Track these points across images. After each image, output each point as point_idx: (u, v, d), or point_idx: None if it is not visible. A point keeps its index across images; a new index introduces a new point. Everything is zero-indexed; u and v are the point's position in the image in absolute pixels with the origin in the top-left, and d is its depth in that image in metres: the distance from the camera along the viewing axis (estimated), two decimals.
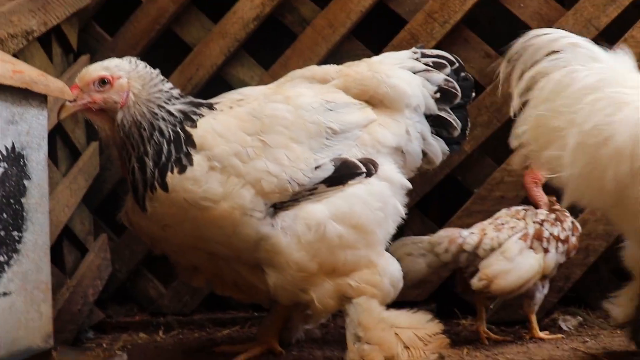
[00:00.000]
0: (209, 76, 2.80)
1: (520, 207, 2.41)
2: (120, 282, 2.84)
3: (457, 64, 2.31)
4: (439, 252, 2.27)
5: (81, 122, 2.80)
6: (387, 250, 2.15)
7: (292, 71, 2.34)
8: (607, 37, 2.56)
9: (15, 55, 2.12)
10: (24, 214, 1.75)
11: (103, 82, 1.90)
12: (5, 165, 1.68)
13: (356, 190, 1.98)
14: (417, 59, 2.28)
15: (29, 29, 2.39)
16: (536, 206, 2.40)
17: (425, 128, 2.21)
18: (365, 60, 2.30)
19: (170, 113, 1.92)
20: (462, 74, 2.31)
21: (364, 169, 2.00)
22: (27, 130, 1.77)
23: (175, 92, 1.99)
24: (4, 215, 1.67)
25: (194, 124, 1.93)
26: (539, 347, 2.25)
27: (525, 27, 2.66)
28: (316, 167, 1.95)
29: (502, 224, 2.31)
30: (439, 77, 2.24)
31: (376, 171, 2.03)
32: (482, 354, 2.18)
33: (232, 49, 2.79)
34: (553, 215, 2.33)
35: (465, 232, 2.28)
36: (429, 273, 2.35)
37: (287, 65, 2.72)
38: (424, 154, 2.22)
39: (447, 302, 2.68)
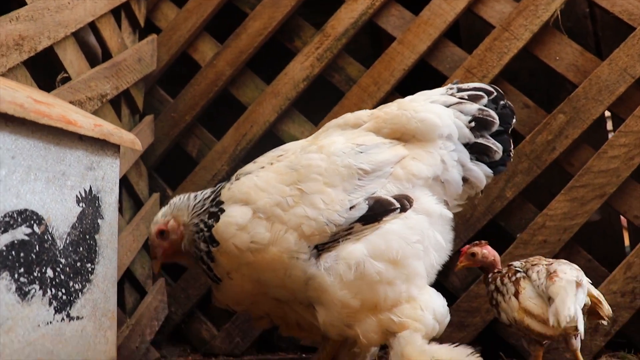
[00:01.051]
0: (262, 132, 3.01)
1: None
2: (176, 323, 2.98)
3: (495, 93, 2.35)
4: None
5: (144, 175, 3.05)
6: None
7: (328, 122, 2.47)
8: None
9: None
10: (97, 248, 1.94)
11: (161, 233, 2.28)
12: (84, 205, 1.89)
13: (392, 226, 2.05)
14: (451, 94, 2.35)
15: (103, 93, 2.69)
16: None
17: (464, 155, 2.26)
18: (397, 100, 2.40)
19: (203, 213, 2.24)
20: (502, 102, 2.35)
21: (397, 205, 2.07)
22: (102, 176, 1.98)
23: (203, 195, 2.31)
24: (81, 248, 1.86)
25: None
26: None
27: (562, 79, 2.82)
28: (351, 208, 2.05)
29: None
30: (472, 107, 2.29)
31: (411, 206, 2.10)
32: None
33: (283, 107, 3.02)
34: None
35: None
36: None
37: None
38: (465, 180, 2.27)
39: (493, 346, 2.70)
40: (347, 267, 2.01)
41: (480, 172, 2.29)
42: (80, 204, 1.88)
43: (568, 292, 1.97)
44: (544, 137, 2.72)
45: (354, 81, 2.99)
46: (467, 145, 2.27)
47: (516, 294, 2.09)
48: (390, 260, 2.02)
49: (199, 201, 2.27)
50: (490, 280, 2.25)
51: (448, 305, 2.66)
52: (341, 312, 2.04)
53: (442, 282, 2.80)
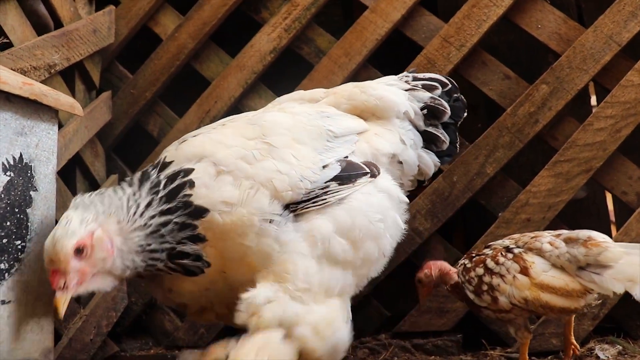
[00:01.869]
0: (227, 108, 2.82)
1: None
2: (136, 314, 2.77)
3: (450, 86, 2.34)
4: None
5: (101, 155, 2.85)
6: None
7: (279, 97, 2.36)
8: (631, 53, 2.52)
9: None
10: (29, 224, 1.74)
11: (79, 250, 1.65)
12: (12, 174, 1.69)
13: (355, 202, 1.92)
14: (406, 82, 2.32)
15: (51, 63, 2.48)
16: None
17: (417, 139, 2.24)
18: (353, 83, 2.36)
19: (162, 214, 1.76)
20: (455, 95, 2.35)
21: (367, 170, 1.97)
22: (36, 143, 1.78)
23: (147, 194, 1.79)
24: (7, 223, 1.66)
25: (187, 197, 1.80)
26: None
27: (544, 49, 2.66)
28: (324, 166, 1.92)
29: None
30: (425, 95, 2.27)
31: (379, 173, 2.00)
32: None
33: (249, 81, 2.82)
34: None
35: None
36: None
37: None
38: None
39: (474, 333, 2.53)
40: (320, 240, 1.84)
41: (430, 160, 2.27)
42: (8, 173, 1.67)
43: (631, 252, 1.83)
44: (526, 109, 2.54)
45: (323, 53, 2.81)
46: (418, 131, 2.25)
47: (524, 271, 1.90)
48: (352, 239, 1.88)
49: (142, 193, 1.78)
50: (471, 266, 2.04)
51: None
52: (295, 290, 1.80)
53: (420, 266, 2.62)
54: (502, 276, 1.93)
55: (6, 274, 1.64)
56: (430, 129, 2.27)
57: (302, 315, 1.77)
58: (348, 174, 1.92)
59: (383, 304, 2.66)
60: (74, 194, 2.59)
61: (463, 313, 2.49)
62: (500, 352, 2.43)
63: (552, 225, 2.46)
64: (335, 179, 1.90)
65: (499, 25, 2.67)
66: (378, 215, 1.95)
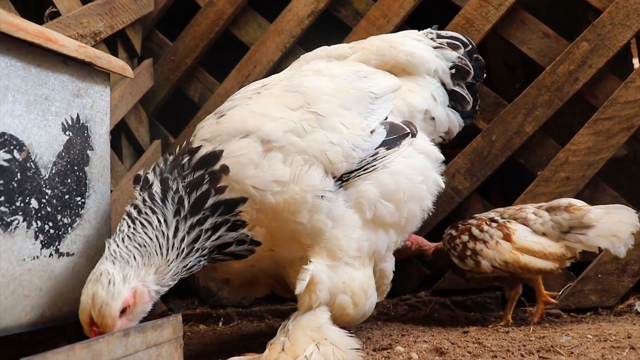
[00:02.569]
0: (266, 72, 2.86)
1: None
2: None
3: (470, 46, 2.36)
4: None
5: (145, 121, 2.92)
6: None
7: (304, 55, 2.34)
8: None
9: None
10: (87, 181, 1.82)
11: (123, 310, 1.57)
12: (71, 133, 1.76)
13: (397, 166, 1.92)
14: (431, 39, 2.33)
15: (96, 31, 2.55)
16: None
17: (445, 97, 2.25)
18: (377, 36, 2.35)
19: (192, 228, 1.67)
20: (475, 55, 2.36)
21: (408, 130, 1.97)
22: (91, 104, 1.85)
23: (173, 216, 1.67)
24: (68, 180, 1.74)
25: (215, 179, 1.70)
26: (612, 325, 2.09)
27: (584, 7, 2.62)
28: (371, 132, 1.89)
29: None
30: (453, 54, 2.30)
31: (417, 131, 2.02)
32: (550, 330, 2.05)
33: (288, 45, 2.86)
34: None
35: None
36: None
37: None
38: None
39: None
40: (367, 206, 1.84)
41: (456, 120, 2.30)
42: (67, 133, 1.75)
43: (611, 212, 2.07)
44: (566, 68, 2.53)
45: (361, 15, 2.82)
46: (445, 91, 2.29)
47: (507, 237, 2.11)
48: (397, 202, 1.89)
49: (167, 217, 1.65)
50: (456, 234, 2.22)
51: None
52: (346, 263, 1.83)
53: None
54: (485, 242, 2.13)
55: (69, 228, 1.73)
56: (457, 89, 2.29)
57: (347, 283, 1.81)
58: (393, 138, 1.93)
59: (423, 262, 2.70)
60: (120, 159, 2.69)
61: None
62: None
63: (591, 184, 2.47)
64: (382, 144, 1.90)
65: None
66: (420, 176, 1.96)
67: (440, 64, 2.26)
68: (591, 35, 2.51)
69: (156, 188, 1.68)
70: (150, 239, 1.62)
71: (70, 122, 1.76)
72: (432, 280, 2.67)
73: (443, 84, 2.28)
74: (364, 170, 1.85)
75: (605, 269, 2.39)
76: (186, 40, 2.98)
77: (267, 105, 1.83)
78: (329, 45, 2.70)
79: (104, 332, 1.52)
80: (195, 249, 1.68)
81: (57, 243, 1.69)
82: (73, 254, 1.74)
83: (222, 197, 1.67)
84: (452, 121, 2.28)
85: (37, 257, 1.62)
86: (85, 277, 1.76)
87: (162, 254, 1.64)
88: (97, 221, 1.84)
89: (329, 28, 2.86)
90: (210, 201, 1.66)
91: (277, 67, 2.87)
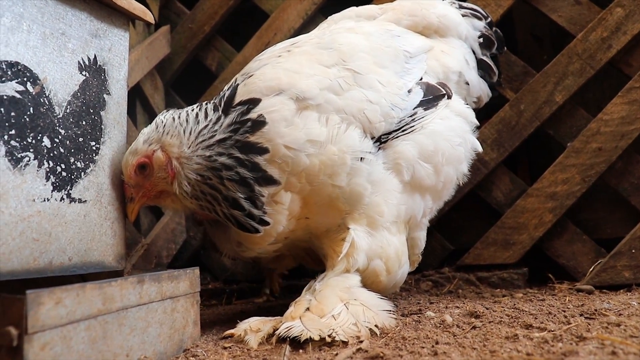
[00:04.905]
0: None
1: None
2: (194, 249, 2.77)
3: (489, 18, 2.33)
4: None
5: (160, 88, 2.84)
6: None
7: (331, 16, 2.28)
8: None
9: None
10: (102, 127, 1.73)
11: (142, 167, 1.73)
12: (87, 74, 1.68)
13: (436, 126, 1.86)
14: (458, 7, 2.30)
15: None
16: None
17: (475, 64, 2.23)
18: None
19: (222, 141, 1.67)
20: (494, 29, 2.34)
21: (444, 91, 1.91)
22: (109, 47, 1.77)
23: (213, 113, 1.73)
24: (84, 122, 1.65)
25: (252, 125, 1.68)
26: None
27: None
28: (408, 91, 1.83)
29: None
30: (480, 24, 2.28)
31: (452, 93, 1.97)
32: (587, 300, 1.94)
33: (309, 12, 2.78)
34: None
35: None
36: None
37: None
38: None
39: (541, 266, 2.45)
40: (405, 167, 1.77)
41: (486, 88, 2.28)
42: (84, 73, 1.66)
43: None
44: (599, 34, 2.43)
45: None
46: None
47: None
48: (435, 164, 1.83)
49: (205, 124, 1.71)
50: None
51: (492, 223, 2.45)
52: (385, 228, 1.76)
53: (485, 198, 2.55)
54: None
55: (82, 173, 1.64)
56: (484, 58, 2.27)
57: (384, 248, 1.74)
58: (430, 98, 1.87)
59: (446, 237, 2.60)
60: (135, 125, 2.60)
61: (529, 245, 2.42)
62: (568, 286, 2.34)
63: (625, 155, 2.37)
64: (420, 104, 1.84)
65: None
66: (458, 139, 1.90)
67: (469, 30, 2.23)
68: (626, 0, 2.41)
69: (207, 106, 1.78)
70: (187, 122, 1.73)
71: (87, 62, 1.68)
72: (456, 256, 2.56)
73: (472, 51, 2.24)
74: (403, 131, 1.78)
75: None
76: (204, 8, 2.90)
77: (300, 62, 1.76)
78: None
79: (127, 183, 1.74)
80: (220, 175, 1.67)
81: (69, 187, 1.60)
82: (85, 201, 1.64)
83: (257, 140, 1.67)
84: (483, 89, 2.25)
85: (48, 200, 1.53)
86: (97, 226, 1.68)
87: (192, 138, 1.70)
88: (111, 169, 1.74)
89: None
90: (250, 132, 1.66)
91: (298, 34, 2.75)
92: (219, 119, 1.70)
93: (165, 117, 1.79)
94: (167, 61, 2.88)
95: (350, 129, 1.68)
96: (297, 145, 1.63)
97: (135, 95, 2.67)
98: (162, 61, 2.82)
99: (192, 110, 1.78)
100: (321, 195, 1.70)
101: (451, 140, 1.88)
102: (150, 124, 1.81)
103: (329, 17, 2.28)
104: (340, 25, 2.07)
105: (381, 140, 1.75)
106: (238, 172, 1.64)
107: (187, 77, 2.97)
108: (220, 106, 1.73)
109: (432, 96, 1.88)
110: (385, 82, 1.79)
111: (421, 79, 1.92)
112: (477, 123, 2.07)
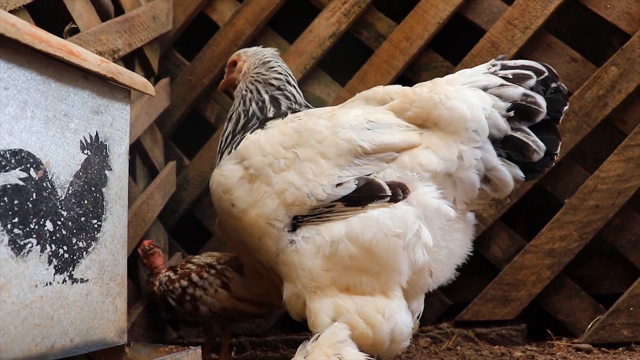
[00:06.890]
0: None
1: None
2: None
3: (547, 73, 1.88)
4: None
5: (160, 142, 2.85)
6: None
7: (360, 92, 2.20)
8: None
9: None
10: (104, 203, 1.73)
11: (234, 64, 2.41)
12: (89, 152, 1.68)
13: (374, 212, 1.79)
14: (494, 73, 1.92)
15: (115, 48, 2.50)
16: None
17: (489, 155, 1.84)
18: (434, 80, 2.00)
19: (258, 91, 2.24)
20: (554, 85, 1.88)
21: (389, 192, 1.80)
22: (110, 122, 1.78)
23: (276, 81, 2.26)
24: (86, 201, 1.66)
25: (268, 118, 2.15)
26: None
27: (608, 32, 2.57)
28: (337, 185, 1.83)
29: None
30: (515, 92, 1.84)
31: (404, 197, 1.80)
32: None
33: (308, 67, 2.80)
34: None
35: None
36: None
37: (365, 80, 2.70)
38: (487, 180, 1.86)
39: (539, 322, 2.46)
40: (324, 241, 1.82)
41: (508, 175, 1.84)
42: (85, 151, 1.67)
43: None
44: (594, 92, 2.46)
45: (384, 37, 2.76)
46: (497, 141, 1.84)
47: (225, 286, 2.27)
48: (363, 247, 1.78)
49: (267, 69, 2.29)
50: (175, 278, 2.29)
51: (490, 279, 2.46)
52: (308, 285, 1.84)
53: (483, 254, 2.56)
54: (204, 289, 2.26)
55: (84, 253, 1.64)
56: (517, 135, 1.83)
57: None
58: (360, 196, 1.81)
59: (444, 292, 2.61)
60: (134, 180, 2.61)
61: (528, 302, 2.43)
62: (567, 342, 2.36)
63: (621, 212, 2.39)
64: (343, 199, 1.82)
65: (560, 8, 2.59)
66: (397, 229, 1.78)
67: (486, 121, 1.84)
68: (620, 59, 2.45)
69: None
70: (258, 53, 2.38)
71: (89, 140, 1.69)
72: (455, 311, 2.56)
73: (494, 138, 1.86)
74: (318, 217, 1.87)
75: (638, 301, 2.29)
76: (204, 60, 2.93)
77: (270, 139, 2.04)
78: (349, 68, 2.66)
79: (227, 68, 2.45)
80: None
81: (71, 268, 1.60)
82: (87, 280, 1.64)
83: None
84: (501, 178, 1.86)
85: (50, 284, 1.53)
86: (99, 304, 1.67)
87: (257, 64, 2.33)
88: (113, 245, 1.74)
89: (351, 50, 2.81)
90: None
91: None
92: (272, 86, 2.28)
93: (260, 52, 2.39)
94: (166, 113, 2.89)
95: (270, 199, 1.93)
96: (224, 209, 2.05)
97: (135, 149, 2.68)
98: (162, 113, 2.83)
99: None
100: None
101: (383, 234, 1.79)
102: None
103: (358, 94, 2.15)
104: (348, 108, 2.07)
105: (298, 220, 1.88)
106: (240, 116, 2.25)
107: (186, 128, 2.99)
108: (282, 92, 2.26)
109: (366, 195, 1.82)
110: (318, 172, 1.89)
111: (368, 175, 1.85)
112: (451, 216, 1.82)
